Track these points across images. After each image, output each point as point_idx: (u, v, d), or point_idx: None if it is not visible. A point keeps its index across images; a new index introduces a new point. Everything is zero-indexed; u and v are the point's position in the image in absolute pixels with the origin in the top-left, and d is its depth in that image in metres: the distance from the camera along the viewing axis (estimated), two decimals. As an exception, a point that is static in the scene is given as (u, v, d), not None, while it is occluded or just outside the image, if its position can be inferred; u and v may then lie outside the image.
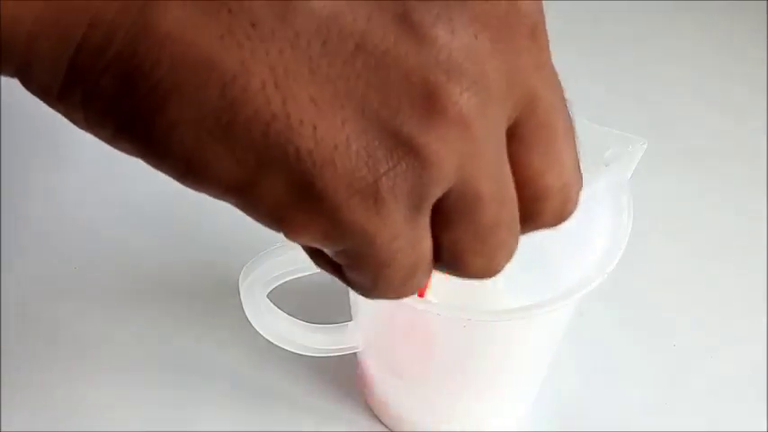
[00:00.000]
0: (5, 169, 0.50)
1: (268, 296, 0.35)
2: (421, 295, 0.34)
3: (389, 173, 0.19)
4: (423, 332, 0.36)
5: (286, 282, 0.34)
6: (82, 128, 0.20)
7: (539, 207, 0.21)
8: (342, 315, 0.38)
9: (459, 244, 0.21)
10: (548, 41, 0.21)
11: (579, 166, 0.22)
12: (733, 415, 0.42)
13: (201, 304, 0.45)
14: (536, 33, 0.20)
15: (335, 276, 0.22)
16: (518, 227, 0.21)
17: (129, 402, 0.42)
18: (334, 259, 0.21)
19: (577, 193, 0.22)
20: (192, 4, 0.18)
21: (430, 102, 0.19)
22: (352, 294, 0.37)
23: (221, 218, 0.48)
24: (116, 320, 0.45)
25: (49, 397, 0.42)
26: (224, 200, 0.20)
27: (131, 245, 0.48)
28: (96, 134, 0.20)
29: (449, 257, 0.21)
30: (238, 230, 0.47)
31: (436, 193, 0.19)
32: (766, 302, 0.46)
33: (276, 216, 0.19)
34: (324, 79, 0.18)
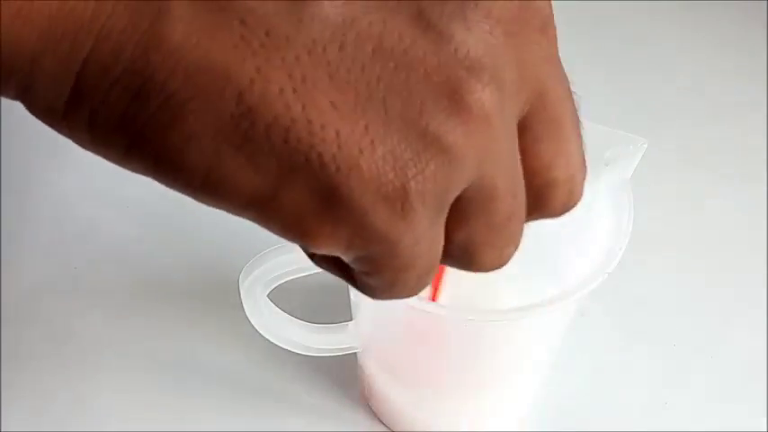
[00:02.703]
0: (5, 169, 0.50)
1: (268, 296, 0.35)
2: (433, 299, 0.34)
3: (418, 176, 0.18)
4: (423, 332, 0.36)
5: (286, 282, 0.34)
6: (87, 149, 0.19)
7: (546, 198, 0.21)
8: (342, 315, 0.38)
9: (474, 238, 0.20)
10: (556, 35, 0.21)
11: (584, 156, 0.22)
12: (733, 415, 0.42)
13: (201, 304, 0.45)
14: (547, 28, 0.20)
15: (343, 279, 0.22)
16: (524, 216, 0.21)
17: (129, 402, 0.42)
18: (351, 265, 0.21)
19: (582, 183, 0.22)
20: (204, 16, 0.18)
21: (454, 99, 0.18)
22: (353, 294, 0.37)
23: (221, 218, 0.48)
24: (116, 320, 0.45)
25: (49, 397, 0.42)
26: (243, 214, 0.19)
27: (131, 245, 0.48)
28: (104, 154, 0.19)
29: (461, 253, 0.21)
30: (238, 230, 0.47)
31: (459, 190, 0.19)
32: (766, 302, 0.46)
33: (299, 228, 0.19)
34: (344, 84, 0.18)
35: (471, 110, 0.18)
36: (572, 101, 0.21)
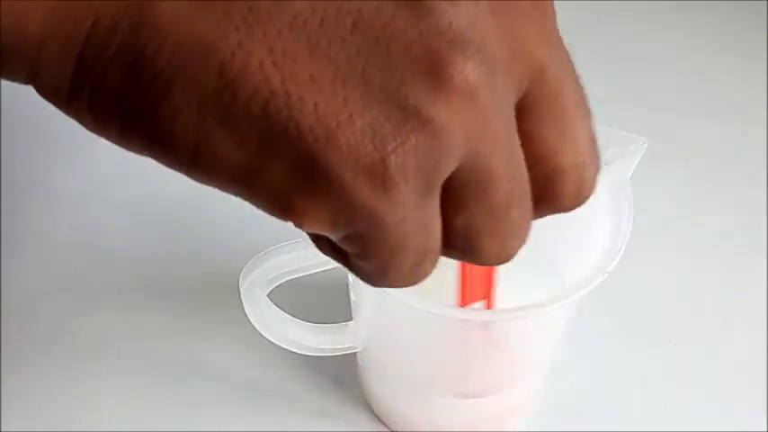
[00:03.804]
0: (5, 169, 0.50)
1: (268, 296, 0.35)
2: (488, 306, 0.33)
3: (398, 149, 0.18)
4: (423, 332, 0.36)
5: (286, 281, 0.34)
6: (91, 129, 0.20)
7: (552, 188, 0.21)
8: (342, 315, 0.38)
9: (472, 223, 0.20)
10: (554, 11, 0.20)
11: (596, 145, 0.21)
12: (733, 415, 0.42)
13: (201, 304, 0.45)
14: (539, 2, 0.20)
15: (342, 264, 0.21)
16: (530, 208, 0.21)
17: (129, 402, 0.42)
18: (342, 246, 0.20)
19: (594, 176, 0.21)
20: None
21: (435, 71, 0.18)
22: (353, 294, 0.37)
23: (222, 218, 0.48)
24: (116, 320, 0.45)
25: (49, 397, 0.42)
26: (231, 191, 0.19)
27: (131, 245, 0.48)
28: (105, 134, 0.20)
29: (461, 241, 0.20)
30: (239, 230, 0.47)
31: (447, 168, 0.19)
32: (766, 302, 0.46)
33: (282, 203, 0.19)
34: (323, 57, 0.18)
35: (453, 82, 0.18)
36: (576, 81, 0.21)
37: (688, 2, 0.62)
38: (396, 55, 0.18)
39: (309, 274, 0.33)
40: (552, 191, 0.21)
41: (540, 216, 0.21)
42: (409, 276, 0.21)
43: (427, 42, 0.18)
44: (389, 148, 0.18)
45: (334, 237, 0.20)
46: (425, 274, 0.21)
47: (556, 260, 0.36)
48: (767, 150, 0.53)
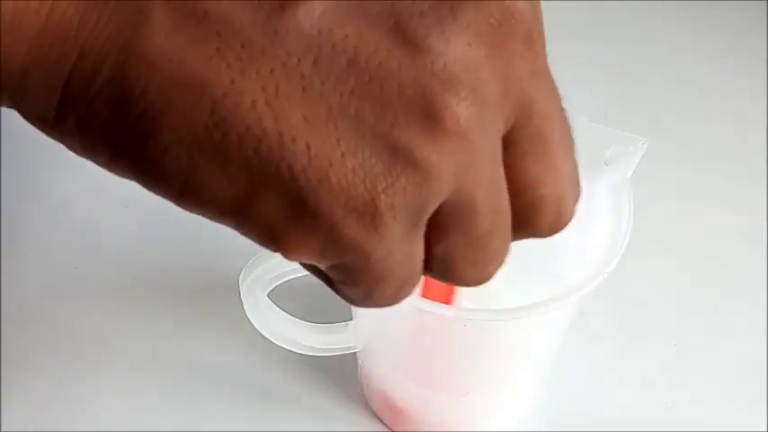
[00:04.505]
0: (5, 169, 0.50)
1: (268, 295, 0.35)
2: (449, 302, 0.34)
3: (388, 190, 0.18)
4: (422, 332, 0.36)
5: (286, 281, 0.34)
6: (80, 155, 0.20)
7: (533, 217, 0.21)
8: (342, 315, 0.38)
9: (453, 254, 0.20)
10: (544, 47, 0.20)
11: (577, 177, 0.22)
12: (733, 415, 0.42)
13: (201, 304, 0.45)
14: (531, 39, 0.20)
15: (326, 285, 0.22)
16: (509, 236, 0.21)
17: (129, 402, 0.42)
18: (328, 274, 0.21)
19: (573, 206, 0.22)
20: (182, 29, 0.18)
21: (428, 113, 0.18)
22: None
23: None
24: (116, 320, 0.45)
25: (49, 397, 0.42)
26: (222, 222, 0.20)
27: (131, 245, 0.48)
28: (94, 160, 0.20)
29: (442, 267, 0.21)
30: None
31: (434, 205, 0.19)
32: (766, 302, 0.46)
33: (272, 237, 0.19)
34: (317, 97, 0.18)
35: (445, 125, 0.18)
36: (562, 117, 0.21)
37: (688, 2, 0.62)
38: (389, 95, 0.18)
39: (309, 274, 0.33)
40: (532, 219, 0.21)
41: (518, 239, 0.22)
42: (391, 300, 0.21)
43: (421, 84, 0.18)
44: (380, 188, 0.18)
45: (321, 265, 0.20)
46: (407, 295, 0.22)
47: (556, 260, 0.36)
48: (767, 151, 0.53)
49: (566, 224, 0.22)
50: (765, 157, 0.53)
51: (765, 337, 0.45)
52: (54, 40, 0.18)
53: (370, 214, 0.19)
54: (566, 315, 0.36)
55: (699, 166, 0.52)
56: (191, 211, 0.20)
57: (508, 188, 0.21)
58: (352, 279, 0.20)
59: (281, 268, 0.34)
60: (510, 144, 0.20)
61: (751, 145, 0.54)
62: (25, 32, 0.18)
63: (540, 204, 0.21)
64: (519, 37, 0.19)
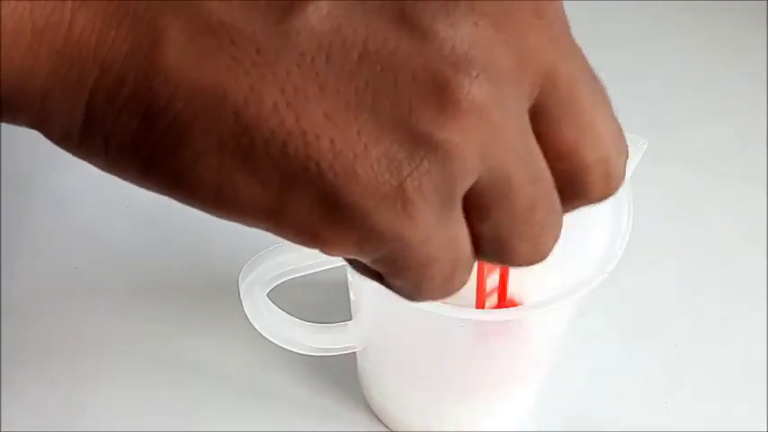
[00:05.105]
0: (6, 169, 0.50)
1: (268, 295, 0.35)
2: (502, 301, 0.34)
3: (413, 174, 0.19)
4: (422, 332, 0.36)
5: (286, 281, 0.34)
6: (107, 171, 0.20)
7: (579, 184, 0.21)
8: (342, 315, 0.38)
9: (500, 230, 0.20)
10: (558, 14, 0.20)
11: (620, 135, 0.21)
12: (733, 415, 0.42)
13: (201, 304, 0.45)
14: (541, 10, 0.20)
15: (379, 283, 0.22)
16: (557, 205, 0.21)
17: (129, 402, 0.42)
18: (374, 268, 0.21)
19: (621, 165, 0.21)
20: (196, 40, 0.18)
21: (442, 96, 0.19)
22: (353, 294, 0.37)
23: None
24: (116, 320, 0.45)
25: (49, 397, 0.42)
26: (258, 227, 0.20)
27: (131, 245, 0.48)
28: (122, 176, 0.20)
29: (492, 247, 0.21)
30: (238, 230, 0.47)
31: (464, 185, 0.19)
32: (766, 302, 0.46)
33: (309, 235, 0.20)
34: (334, 93, 0.18)
35: (461, 105, 0.19)
36: (592, 77, 0.21)
37: (688, 2, 0.62)
38: (403, 83, 0.19)
39: (309, 274, 0.33)
40: (580, 186, 0.21)
41: (573, 209, 0.22)
42: (444, 288, 0.21)
43: (432, 68, 0.19)
44: (405, 174, 0.19)
45: (364, 260, 0.21)
46: (462, 283, 0.21)
47: (556, 260, 0.36)
48: (767, 150, 0.53)
49: (617, 186, 0.22)
50: (766, 157, 0.53)
51: (765, 337, 0.45)
52: (74, 59, 0.19)
53: (400, 200, 0.19)
54: (566, 315, 0.36)
55: (699, 166, 0.52)
56: (227, 218, 0.20)
57: (547, 158, 0.20)
58: (398, 270, 0.20)
59: (280, 268, 0.34)
60: (540, 114, 0.20)
61: (751, 145, 0.54)
62: (44, 55, 0.19)
63: (583, 170, 0.21)
64: (527, 9, 0.20)
